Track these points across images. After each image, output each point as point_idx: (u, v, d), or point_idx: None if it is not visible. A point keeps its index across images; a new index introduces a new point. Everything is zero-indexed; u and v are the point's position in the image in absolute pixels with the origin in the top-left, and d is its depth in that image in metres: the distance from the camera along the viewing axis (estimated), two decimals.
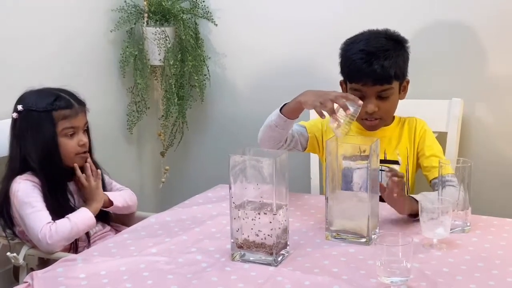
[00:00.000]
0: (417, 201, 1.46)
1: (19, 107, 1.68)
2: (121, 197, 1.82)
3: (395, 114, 1.82)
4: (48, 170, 1.67)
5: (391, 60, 1.67)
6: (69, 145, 1.69)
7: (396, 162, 1.71)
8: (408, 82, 1.77)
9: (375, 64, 1.65)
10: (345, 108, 1.45)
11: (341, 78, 1.78)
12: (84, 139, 1.73)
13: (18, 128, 1.69)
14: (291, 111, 1.60)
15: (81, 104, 1.73)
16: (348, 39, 1.75)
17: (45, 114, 1.66)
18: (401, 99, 1.76)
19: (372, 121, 1.73)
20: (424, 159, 1.78)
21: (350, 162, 1.41)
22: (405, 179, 1.72)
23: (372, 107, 1.68)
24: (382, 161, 1.69)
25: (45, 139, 1.67)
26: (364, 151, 1.38)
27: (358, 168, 1.40)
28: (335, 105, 1.46)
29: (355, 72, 1.68)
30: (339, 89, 1.79)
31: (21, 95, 1.73)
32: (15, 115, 1.69)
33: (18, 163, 1.68)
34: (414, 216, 1.51)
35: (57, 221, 1.62)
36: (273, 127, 1.64)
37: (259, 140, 1.71)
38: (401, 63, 1.71)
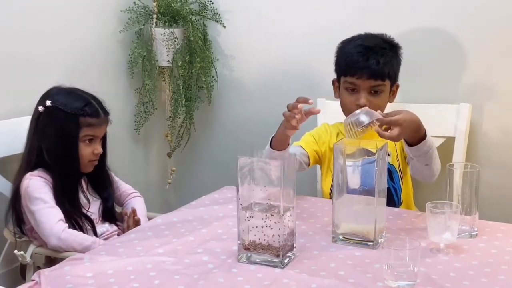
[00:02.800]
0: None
1: (48, 102, 1.69)
2: (143, 216, 1.84)
3: None
4: (61, 170, 1.68)
5: (387, 58, 1.73)
6: (85, 151, 1.71)
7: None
8: (397, 87, 1.82)
9: (371, 59, 1.71)
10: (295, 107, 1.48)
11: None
12: (99, 149, 1.74)
13: (42, 122, 1.70)
14: (278, 142, 1.60)
15: (106, 114, 1.75)
16: (345, 39, 1.82)
17: (72, 117, 1.68)
18: (389, 102, 1.81)
19: None
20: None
21: (353, 160, 1.41)
22: (396, 166, 1.82)
23: (363, 101, 1.72)
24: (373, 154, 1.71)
25: (67, 141, 1.68)
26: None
27: (363, 164, 1.40)
28: (349, 120, 1.50)
29: (351, 65, 1.73)
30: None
31: (49, 89, 1.73)
32: (41, 108, 1.69)
33: (34, 157, 1.69)
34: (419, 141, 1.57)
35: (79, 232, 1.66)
36: (273, 158, 1.62)
37: None
38: (394, 64, 1.77)
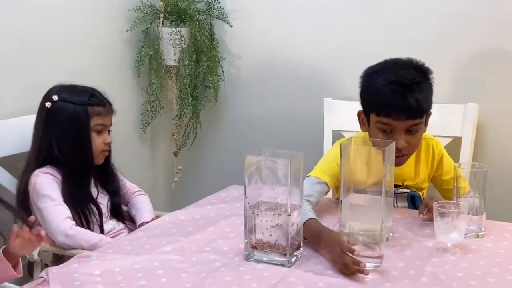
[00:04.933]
0: None
1: (55, 97, 1.70)
2: (150, 212, 1.85)
3: None
4: (74, 162, 1.69)
5: (425, 94, 1.55)
6: (98, 141, 1.73)
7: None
8: (430, 114, 1.63)
9: (409, 98, 1.51)
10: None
11: (360, 106, 1.63)
12: (109, 138, 1.77)
13: (50, 117, 1.71)
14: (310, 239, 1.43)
15: (111, 104, 1.78)
16: (370, 67, 1.62)
17: (81, 108, 1.70)
18: (423, 132, 1.64)
19: (399, 157, 1.57)
20: (444, 182, 1.71)
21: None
22: (420, 193, 1.73)
23: (402, 143, 1.54)
24: (399, 186, 1.68)
25: (80, 131, 1.70)
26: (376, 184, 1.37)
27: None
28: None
29: (386, 105, 1.54)
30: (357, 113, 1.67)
31: (50, 88, 1.75)
32: (48, 104, 1.71)
33: (44, 154, 1.70)
34: None
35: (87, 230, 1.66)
36: None
37: None
38: (430, 96, 1.60)
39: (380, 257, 1.31)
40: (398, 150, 1.53)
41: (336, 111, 2.11)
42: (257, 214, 1.33)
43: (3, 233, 1.44)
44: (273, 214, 1.32)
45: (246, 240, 1.36)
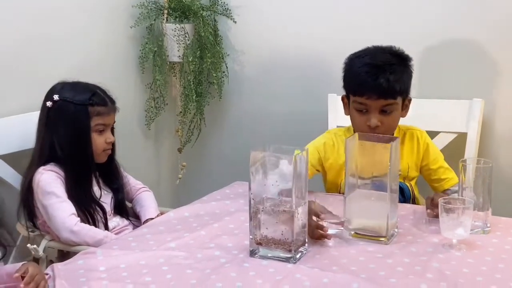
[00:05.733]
0: None
1: (56, 97, 1.70)
2: (154, 209, 1.84)
3: None
4: (75, 162, 1.69)
5: (397, 75, 1.65)
6: (98, 141, 1.72)
7: None
8: (410, 100, 1.74)
9: (380, 78, 1.63)
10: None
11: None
12: (112, 137, 1.76)
13: (52, 117, 1.71)
14: None
15: (113, 102, 1.77)
16: (352, 54, 1.73)
17: (82, 108, 1.69)
18: (402, 117, 1.74)
19: None
20: (431, 172, 1.77)
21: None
22: (408, 185, 1.76)
23: (375, 122, 1.65)
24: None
25: (80, 131, 1.69)
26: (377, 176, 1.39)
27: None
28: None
29: (359, 85, 1.66)
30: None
31: (54, 85, 1.74)
32: (49, 103, 1.71)
33: (47, 152, 1.70)
34: None
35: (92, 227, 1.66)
36: None
37: None
38: (405, 79, 1.69)
39: (341, 223, 1.45)
40: (372, 129, 1.66)
41: (341, 107, 2.09)
42: (262, 210, 1.33)
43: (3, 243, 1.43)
44: (278, 210, 1.32)
45: (251, 236, 1.36)
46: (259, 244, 1.35)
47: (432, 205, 1.53)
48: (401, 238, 1.45)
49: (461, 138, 2.01)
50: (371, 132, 1.66)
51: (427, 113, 1.90)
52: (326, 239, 1.42)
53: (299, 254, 1.35)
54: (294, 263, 1.32)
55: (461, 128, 2.01)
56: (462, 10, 2.06)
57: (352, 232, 1.44)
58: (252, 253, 1.36)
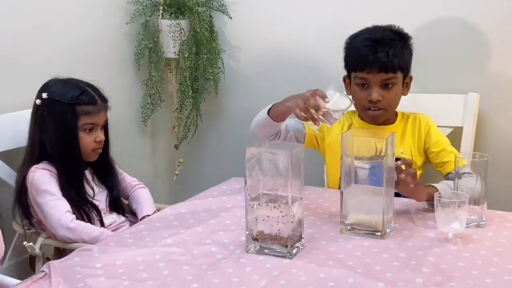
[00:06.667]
0: (434, 187, 1.47)
1: (44, 95, 1.70)
2: (151, 205, 1.85)
3: (399, 111, 1.81)
4: (66, 160, 1.69)
5: (396, 50, 1.68)
6: (87, 140, 1.71)
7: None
8: (411, 78, 1.77)
9: (380, 52, 1.66)
10: (317, 108, 1.46)
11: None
12: (101, 136, 1.74)
13: (40, 115, 1.70)
14: (278, 114, 1.64)
15: (104, 101, 1.75)
16: (351, 34, 1.77)
17: (69, 107, 1.68)
18: (404, 95, 1.77)
19: (375, 111, 1.72)
20: (434, 155, 1.77)
21: (363, 163, 1.40)
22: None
23: (376, 96, 1.68)
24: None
25: (66, 130, 1.68)
26: (380, 152, 1.37)
27: (371, 168, 1.39)
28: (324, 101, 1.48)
29: (360, 59, 1.69)
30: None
31: (46, 82, 1.74)
32: (38, 101, 1.70)
33: (38, 149, 1.69)
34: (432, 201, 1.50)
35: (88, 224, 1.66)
36: (261, 126, 1.70)
37: (250, 132, 1.75)
38: (405, 56, 1.72)
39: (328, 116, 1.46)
40: (373, 103, 1.70)
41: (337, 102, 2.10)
42: (258, 206, 1.33)
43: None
44: (274, 206, 1.32)
45: (247, 232, 1.36)
46: (256, 239, 1.35)
47: (397, 169, 1.47)
48: (397, 232, 1.45)
49: (457, 132, 2.02)
50: (372, 107, 1.70)
51: (422, 107, 1.91)
52: (312, 121, 1.45)
53: (296, 249, 1.35)
54: (291, 258, 1.32)
55: (457, 122, 2.01)
56: (457, 4, 2.06)
57: (348, 227, 1.45)
58: (249, 249, 1.36)
